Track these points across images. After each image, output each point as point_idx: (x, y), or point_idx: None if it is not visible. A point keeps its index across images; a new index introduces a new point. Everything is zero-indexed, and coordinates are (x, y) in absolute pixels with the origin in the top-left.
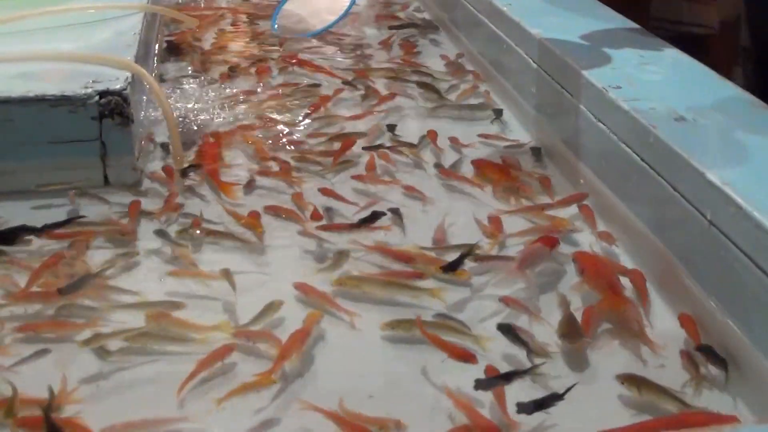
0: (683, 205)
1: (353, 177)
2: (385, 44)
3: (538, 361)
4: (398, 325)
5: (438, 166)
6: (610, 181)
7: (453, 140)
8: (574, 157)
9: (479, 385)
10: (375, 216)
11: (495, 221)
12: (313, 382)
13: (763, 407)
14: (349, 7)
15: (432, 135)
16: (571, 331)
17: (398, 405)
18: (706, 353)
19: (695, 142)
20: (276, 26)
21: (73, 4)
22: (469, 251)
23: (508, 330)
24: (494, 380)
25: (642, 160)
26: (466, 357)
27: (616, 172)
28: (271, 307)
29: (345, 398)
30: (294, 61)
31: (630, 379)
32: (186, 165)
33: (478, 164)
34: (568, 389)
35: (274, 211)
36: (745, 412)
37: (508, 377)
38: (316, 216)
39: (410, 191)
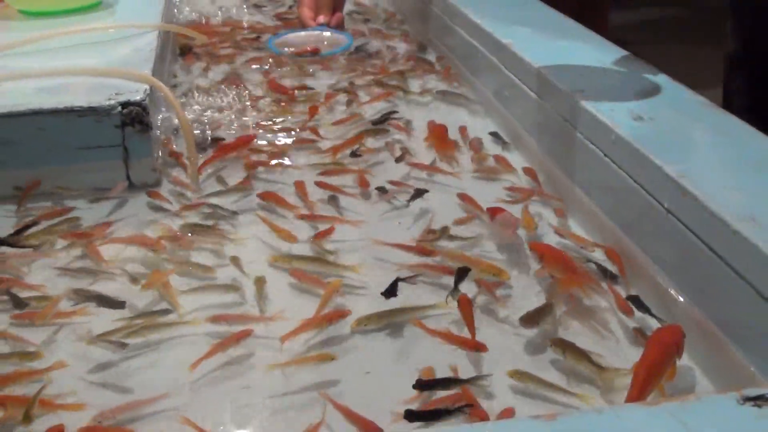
0: (643, 195)
1: None
2: None
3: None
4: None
5: None
6: (577, 175)
7: None
8: (535, 147)
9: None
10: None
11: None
12: None
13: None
14: (347, 46)
15: None
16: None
17: None
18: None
19: (652, 139)
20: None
21: (95, 24)
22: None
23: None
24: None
25: (605, 155)
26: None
27: (582, 166)
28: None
29: None
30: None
31: (558, 343)
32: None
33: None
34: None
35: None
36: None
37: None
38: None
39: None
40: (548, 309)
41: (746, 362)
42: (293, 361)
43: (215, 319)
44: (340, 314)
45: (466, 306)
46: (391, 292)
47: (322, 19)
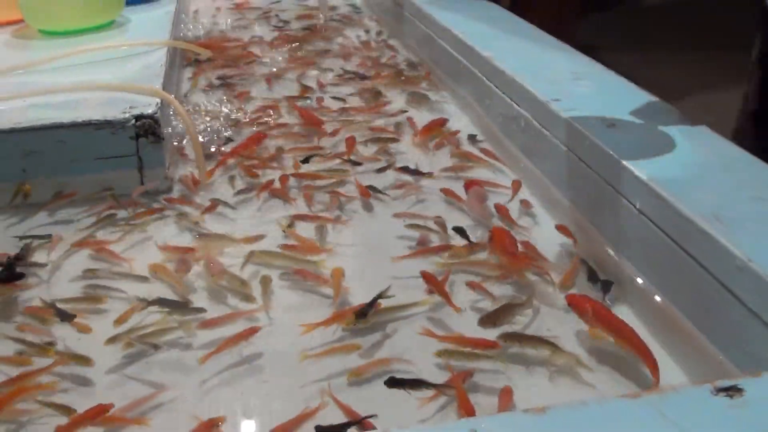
0: (616, 197)
1: None
2: None
3: None
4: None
5: None
6: (554, 178)
7: None
8: (520, 153)
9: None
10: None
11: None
12: None
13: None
14: None
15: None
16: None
17: None
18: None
19: (624, 144)
20: None
21: (109, 42)
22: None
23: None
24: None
25: (580, 159)
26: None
27: (559, 170)
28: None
29: None
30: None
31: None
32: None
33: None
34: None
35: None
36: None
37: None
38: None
39: None
40: (507, 309)
41: (717, 353)
42: (323, 352)
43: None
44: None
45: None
46: (364, 312)
47: None
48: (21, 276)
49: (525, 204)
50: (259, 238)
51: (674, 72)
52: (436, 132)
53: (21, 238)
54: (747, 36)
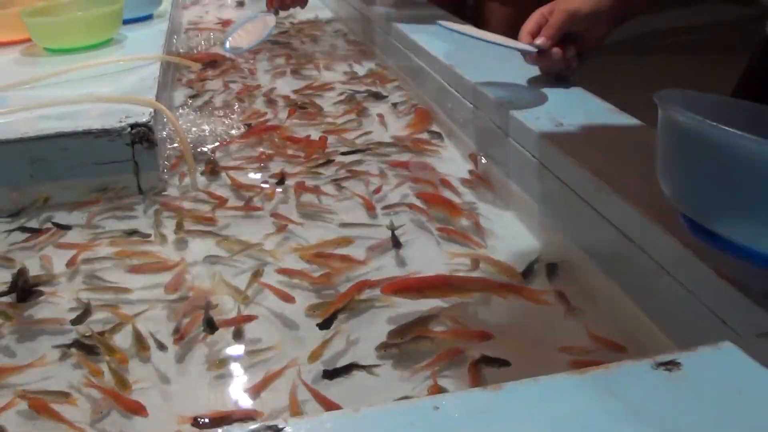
0: (565, 189)
1: None
2: None
3: None
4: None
5: None
6: (511, 173)
7: None
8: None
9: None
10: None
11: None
12: None
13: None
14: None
15: None
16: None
17: None
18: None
19: (572, 142)
20: (228, 46)
21: (106, 58)
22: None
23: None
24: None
25: (533, 156)
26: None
27: (515, 166)
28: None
29: None
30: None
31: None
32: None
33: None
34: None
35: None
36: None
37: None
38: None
39: None
40: (417, 323)
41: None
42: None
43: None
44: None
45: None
46: (328, 323)
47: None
48: (37, 293)
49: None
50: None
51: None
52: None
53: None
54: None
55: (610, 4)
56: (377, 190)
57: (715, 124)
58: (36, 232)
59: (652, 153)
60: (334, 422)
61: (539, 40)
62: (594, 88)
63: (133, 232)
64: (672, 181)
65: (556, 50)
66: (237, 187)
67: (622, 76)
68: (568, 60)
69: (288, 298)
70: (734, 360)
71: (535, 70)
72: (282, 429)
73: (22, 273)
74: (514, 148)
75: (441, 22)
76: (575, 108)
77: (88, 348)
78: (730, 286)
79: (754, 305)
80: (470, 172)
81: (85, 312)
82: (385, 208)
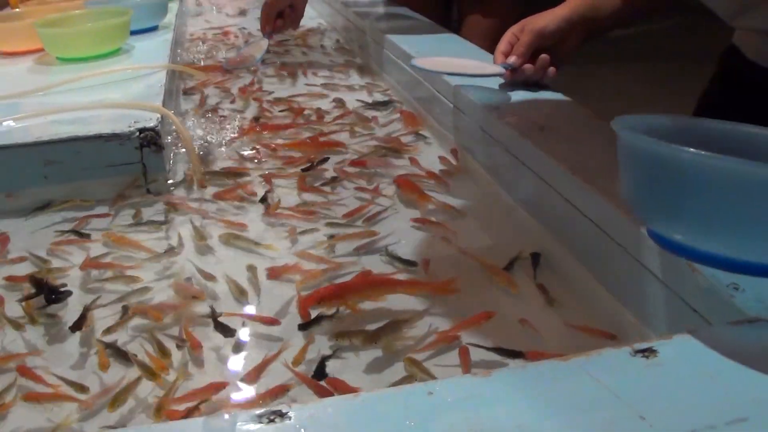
0: (545, 187)
1: None
2: None
3: None
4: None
5: None
6: (498, 175)
7: None
8: (470, 156)
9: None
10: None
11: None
12: None
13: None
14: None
15: None
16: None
17: None
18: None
19: (553, 145)
20: (226, 66)
21: (115, 66)
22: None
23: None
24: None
25: (516, 158)
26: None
27: (502, 167)
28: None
29: None
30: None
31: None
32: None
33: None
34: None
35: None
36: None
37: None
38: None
39: None
40: (392, 326)
41: (632, 317)
42: None
43: None
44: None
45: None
46: (320, 373)
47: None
48: (65, 293)
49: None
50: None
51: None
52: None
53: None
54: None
55: (578, 20)
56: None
57: (660, 141)
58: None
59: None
60: (335, 407)
61: (511, 59)
62: (574, 96)
63: (142, 226)
64: (634, 198)
65: (527, 66)
66: (229, 193)
67: (601, 83)
68: (543, 71)
69: (272, 322)
70: (706, 347)
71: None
72: (286, 413)
73: (37, 279)
74: (496, 147)
75: (414, 61)
76: (556, 112)
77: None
78: (702, 278)
79: (724, 296)
80: (445, 166)
81: (81, 318)
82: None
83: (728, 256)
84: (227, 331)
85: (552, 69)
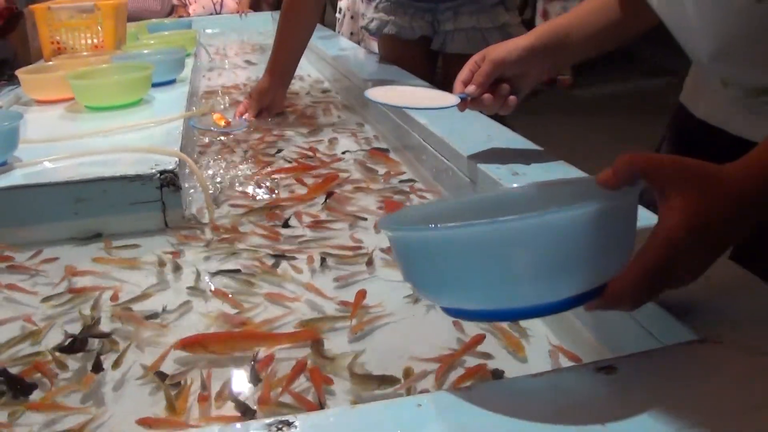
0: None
1: None
2: None
3: None
4: None
5: None
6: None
7: None
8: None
9: None
10: None
11: None
12: None
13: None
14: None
15: None
16: None
17: None
18: None
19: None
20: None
21: (138, 116)
22: None
23: None
24: None
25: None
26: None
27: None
28: None
29: None
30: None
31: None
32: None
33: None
34: None
35: None
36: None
37: None
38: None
39: None
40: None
41: (595, 340)
42: None
43: None
44: None
45: None
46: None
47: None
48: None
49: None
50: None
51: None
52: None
53: None
54: None
55: (542, 49)
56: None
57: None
58: None
59: None
60: (336, 416)
61: (469, 89)
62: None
63: (161, 261)
64: (413, 281)
65: (486, 96)
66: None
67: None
68: (502, 101)
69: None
70: (660, 364)
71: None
72: (292, 422)
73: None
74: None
75: (368, 93)
76: (529, 161)
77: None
78: (655, 304)
79: (674, 320)
80: None
81: (74, 341)
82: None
83: (485, 309)
84: None
85: (512, 98)
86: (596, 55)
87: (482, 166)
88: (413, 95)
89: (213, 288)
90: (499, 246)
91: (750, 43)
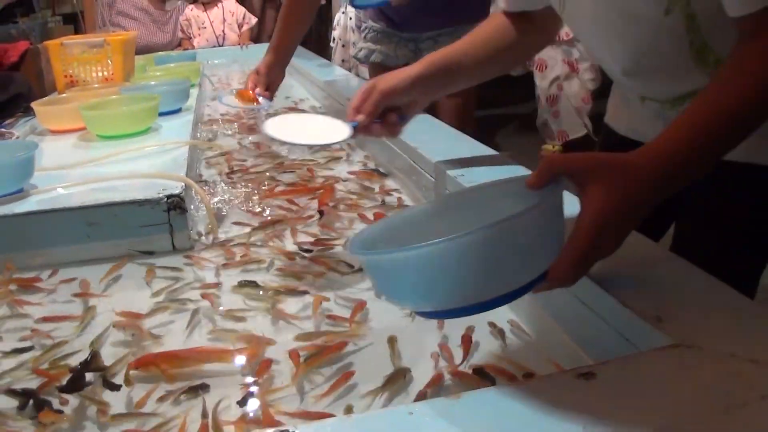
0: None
1: None
2: None
3: None
4: None
5: None
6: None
7: None
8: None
9: None
10: None
11: None
12: None
13: None
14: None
15: None
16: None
17: None
18: None
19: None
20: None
21: (146, 144)
22: None
23: None
24: None
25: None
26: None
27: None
28: None
29: None
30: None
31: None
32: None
33: None
34: None
35: None
36: None
37: None
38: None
39: None
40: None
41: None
42: None
43: None
44: None
45: None
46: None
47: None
48: (86, 385)
49: None
50: None
51: None
52: None
53: None
54: None
55: (430, 78)
56: None
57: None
58: None
59: None
60: (333, 426)
61: (359, 117)
62: None
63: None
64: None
65: (375, 126)
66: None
67: None
68: (391, 128)
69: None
70: (637, 370)
71: None
72: None
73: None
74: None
75: (264, 126)
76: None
77: None
78: (631, 312)
79: (650, 326)
80: None
81: (75, 377)
82: None
83: (444, 310)
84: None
85: (399, 127)
86: (496, 76)
87: (452, 173)
88: (309, 127)
89: (223, 310)
90: (440, 260)
91: (660, 56)
